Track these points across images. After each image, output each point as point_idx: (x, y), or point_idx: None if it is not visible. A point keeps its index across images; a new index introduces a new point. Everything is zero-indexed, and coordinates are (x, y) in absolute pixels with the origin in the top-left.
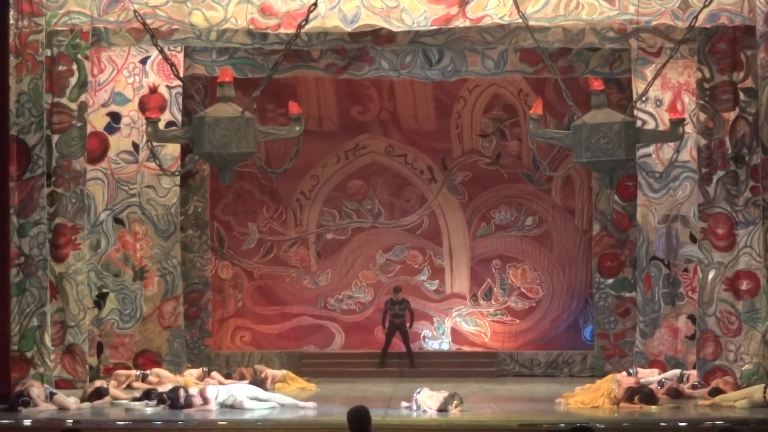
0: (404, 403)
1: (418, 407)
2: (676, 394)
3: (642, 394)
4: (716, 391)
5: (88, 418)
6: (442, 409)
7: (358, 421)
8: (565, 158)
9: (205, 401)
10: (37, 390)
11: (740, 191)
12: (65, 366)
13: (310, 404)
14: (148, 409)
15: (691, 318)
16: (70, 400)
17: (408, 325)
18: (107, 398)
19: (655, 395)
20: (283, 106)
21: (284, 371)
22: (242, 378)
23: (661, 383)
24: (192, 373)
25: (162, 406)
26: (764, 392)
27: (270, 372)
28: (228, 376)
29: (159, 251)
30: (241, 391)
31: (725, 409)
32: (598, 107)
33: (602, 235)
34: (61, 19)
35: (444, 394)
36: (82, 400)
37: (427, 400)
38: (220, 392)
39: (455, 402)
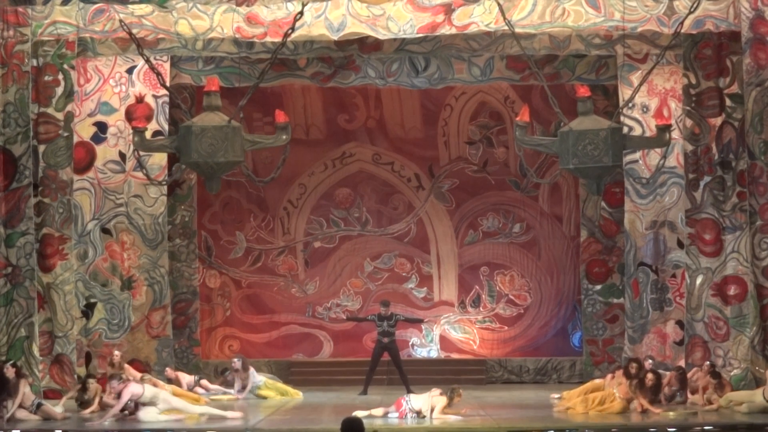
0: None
1: (410, 409)
2: (681, 379)
3: (646, 372)
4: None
5: (74, 428)
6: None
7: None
8: (552, 165)
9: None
10: None
11: (727, 197)
12: (53, 376)
13: (237, 414)
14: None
15: (680, 323)
16: (57, 410)
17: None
18: (95, 406)
19: (659, 374)
20: (269, 114)
21: (264, 378)
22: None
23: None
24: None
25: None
26: (764, 394)
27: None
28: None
29: (147, 261)
30: (164, 399)
31: (720, 412)
32: (584, 114)
33: (590, 241)
34: (47, 29)
35: (432, 392)
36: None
37: (415, 401)
38: (145, 393)
39: (455, 395)
